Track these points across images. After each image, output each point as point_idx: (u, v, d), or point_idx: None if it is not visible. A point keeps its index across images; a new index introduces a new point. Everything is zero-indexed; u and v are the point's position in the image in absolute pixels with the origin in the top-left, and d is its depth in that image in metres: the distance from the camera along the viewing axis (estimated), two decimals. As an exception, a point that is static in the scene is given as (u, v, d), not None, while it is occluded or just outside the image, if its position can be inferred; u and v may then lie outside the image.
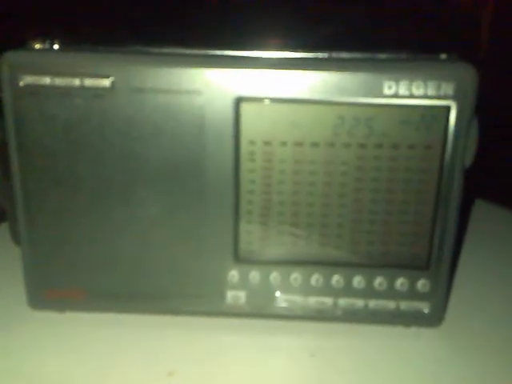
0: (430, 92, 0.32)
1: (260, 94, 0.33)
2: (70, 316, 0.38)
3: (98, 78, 0.33)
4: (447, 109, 0.33)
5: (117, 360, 0.34)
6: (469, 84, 0.32)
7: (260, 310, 0.37)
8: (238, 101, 0.33)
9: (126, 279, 0.37)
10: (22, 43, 0.35)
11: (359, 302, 0.37)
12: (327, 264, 0.37)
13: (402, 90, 0.32)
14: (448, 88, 0.32)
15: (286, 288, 0.37)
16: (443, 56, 0.34)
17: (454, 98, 0.32)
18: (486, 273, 0.45)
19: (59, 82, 0.33)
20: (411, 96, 0.33)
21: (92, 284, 0.37)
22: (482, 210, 0.55)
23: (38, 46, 0.34)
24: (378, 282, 0.36)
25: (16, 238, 0.38)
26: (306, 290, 0.37)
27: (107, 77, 0.33)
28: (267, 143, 0.34)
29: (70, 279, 0.37)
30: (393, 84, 0.32)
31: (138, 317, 0.38)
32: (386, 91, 0.33)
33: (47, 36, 0.35)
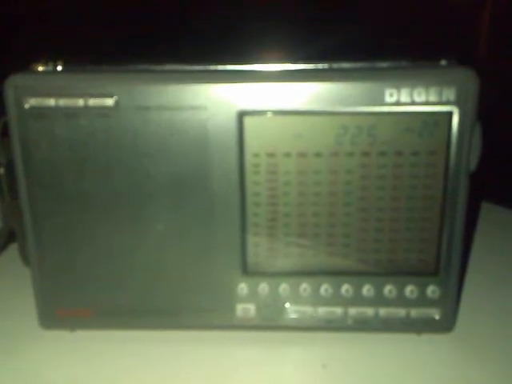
0: (432, 98, 0.32)
1: (262, 106, 0.33)
2: (81, 334, 0.38)
3: (102, 97, 0.33)
4: (449, 114, 0.33)
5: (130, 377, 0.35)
6: (470, 89, 0.32)
7: (270, 322, 0.37)
8: (241, 114, 0.34)
9: (136, 296, 0.37)
10: (25, 66, 0.35)
11: (369, 311, 0.37)
12: (336, 273, 0.37)
13: (404, 98, 0.33)
14: (449, 93, 0.32)
15: (296, 299, 0.37)
16: (443, 62, 0.34)
17: (456, 103, 0.32)
18: (495, 276, 0.45)
19: (63, 102, 0.33)
20: (413, 103, 0.33)
21: (102, 302, 0.37)
22: (489, 212, 0.55)
23: (41, 68, 0.35)
24: (388, 289, 0.36)
25: (26, 258, 0.38)
26: (316, 300, 0.37)
27: (111, 96, 0.33)
28: (271, 155, 0.35)
29: (80, 298, 0.37)
30: (394, 92, 0.33)
31: (149, 333, 0.38)
32: (388, 99, 0.33)
33: (50, 58, 0.35)
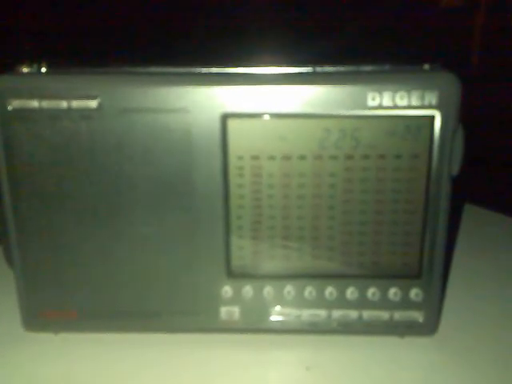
0: (414, 102, 0.33)
1: (246, 109, 0.34)
2: (64, 336, 0.38)
3: (85, 99, 0.33)
4: (431, 118, 0.33)
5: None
6: (452, 93, 0.33)
7: (254, 325, 0.37)
8: (225, 117, 0.34)
9: (120, 298, 0.37)
10: (9, 67, 0.35)
11: (353, 314, 0.37)
12: (320, 276, 0.37)
13: (386, 101, 0.33)
14: (431, 98, 0.33)
15: (280, 302, 0.37)
16: (426, 66, 0.34)
17: (438, 107, 0.33)
18: (478, 279, 0.45)
19: (47, 104, 0.33)
20: (395, 107, 0.33)
21: (85, 304, 0.37)
22: (471, 214, 0.56)
23: (25, 70, 0.35)
24: (371, 292, 0.36)
25: (9, 260, 0.38)
26: (300, 303, 0.37)
27: (94, 98, 0.33)
28: (255, 158, 0.35)
29: (63, 300, 0.37)
30: (376, 95, 0.33)
31: (133, 336, 0.38)
32: (371, 103, 0.33)
33: (35, 60, 0.35)
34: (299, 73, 0.35)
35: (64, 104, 0.33)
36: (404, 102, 0.33)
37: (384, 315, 0.37)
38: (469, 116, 0.36)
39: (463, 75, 0.33)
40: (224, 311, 0.37)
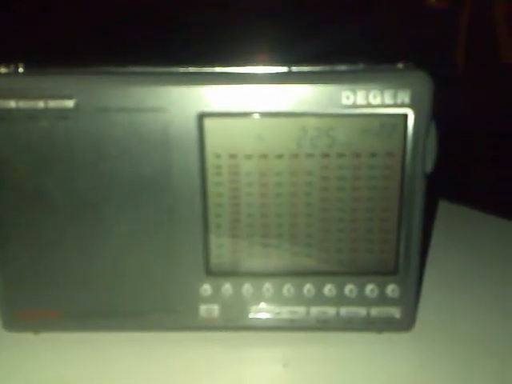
0: (387, 101, 0.33)
1: (222, 108, 0.34)
2: (45, 336, 0.38)
3: (62, 99, 0.33)
4: (404, 116, 0.33)
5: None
6: (425, 92, 0.33)
7: (234, 323, 0.38)
8: (202, 116, 0.34)
9: (99, 297, 0.37)
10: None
11: (331, 310, 0.37)
12: (298, 273, 0.37)
13: (360, 100, 0.33)
14: (404, 96, 0.33)
15: (259, 299, 0.37)
16: (400, 65, 0.35)
17: (411, 105, 0.33)
18: (454, 274, 0.46)
19: (24, 104, 0.34)
20: (369, 105, 0.33)
21: (65, 303, 0.37)
22: (446, 211, 0.56)
23: (2, 70, 0.35)
24: (349, 289, 0.37)
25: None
26: (279, 300, 0.37)
27: (70, 98, 0.33)
28: (232, 156, 0.35)
29: (44, 299, 0.37)
30: (350, 94, 0.33)
31: (113, 334, 0.38)
32: (345, 101, 0.33)
33: (12, 60, 0.35)
34: (276, 72, 0.35)
35: (41, 104, 0.33)
36: (377, 101, 0.33)
37: (361, 311, 0.37)
38: (449, 114, 0.36)
39: (448, 75, 0.34)
40: (203, 309, 0.37)
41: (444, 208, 0.56)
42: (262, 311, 0.37)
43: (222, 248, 0.37)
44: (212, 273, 0.37)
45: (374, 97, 0.33)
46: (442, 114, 0.35)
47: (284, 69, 0.35)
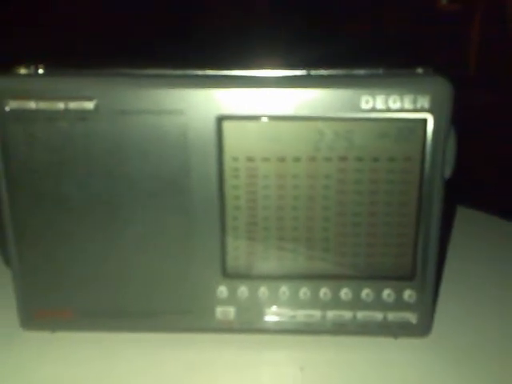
0: (407, 105, 0.33)
1: (241, 112, 0.34)
2: (61, 335, 0.38)
3: (82, 100, 0.33)
4: (424, 121, 0.33)
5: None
6: (444, 97, 0.33)
7: (249, 325, 0.38)
8: (220, 119, 0.34)
9: (116, 297, 0.37)
10: (7, 68, 0.35)
11: (347, 314, 0.37)
12: (314, 277, 0.37)
13: (379, 104, 0.33)
14: (424, 101, 0.33)
15: (275, 302, 0.37)
16: (419, 70, 0.35)
17: (430, 110, 0.33)
18: (471, 280, 0.46)
19: (44, 105, 0.34)
20: (388, 110, 0.33)
21: (82, 303, 0.37)
22: (464, 216, 0.56)
23: (23, 71, 0.35)
24: (365, 293, 0.37)
25: (7, 259, 0.38)
26: (295, 303, 0.37)
27: (91, 99, 0.34)
28: (250, 159, 0.35)
29: (60, 299, 0.37)
30: (370, 98, 0.33)
31: (129, 335, 0.38)
32: (364, 106, 0.33)
33: (32, 61, 0.36)
34: (294, 76, 0.35)
35: (61, 105, 0.34)
36: (397, 106, 0.33)
37: (378, 316, 0.37)
38: (463, 119, 0.36)
39: (460, 79, 0.34)
40: (219, 311, 0.37)
41: (462, 213, 0.56)
42: (278, 314, 0.37)
43: (238, 250, 0.37)
44: (228, 275, 0.37)
45: (394, 101, 0.33)
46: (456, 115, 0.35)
47: (303, 72, 0.35)
